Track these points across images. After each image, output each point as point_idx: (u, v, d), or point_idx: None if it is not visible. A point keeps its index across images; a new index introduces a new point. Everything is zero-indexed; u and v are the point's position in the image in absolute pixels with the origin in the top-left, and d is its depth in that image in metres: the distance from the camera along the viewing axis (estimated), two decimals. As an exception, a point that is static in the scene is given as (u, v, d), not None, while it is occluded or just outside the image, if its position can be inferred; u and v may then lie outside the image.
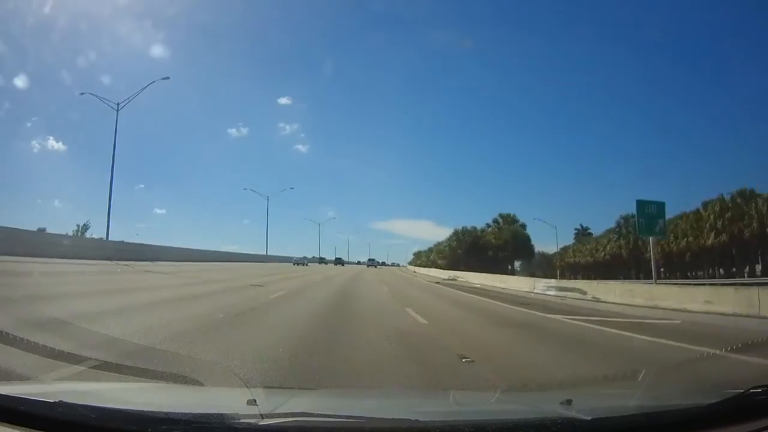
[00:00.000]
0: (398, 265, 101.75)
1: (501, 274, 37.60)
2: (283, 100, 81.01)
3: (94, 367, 3.45)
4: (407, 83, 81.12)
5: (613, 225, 62.77)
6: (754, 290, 10.82)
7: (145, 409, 1.66)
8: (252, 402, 1.65)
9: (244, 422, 1.45)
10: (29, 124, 50.17)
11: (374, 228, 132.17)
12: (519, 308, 12.78)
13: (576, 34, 65.23)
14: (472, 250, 64.14)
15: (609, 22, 63.80)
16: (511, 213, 74.17)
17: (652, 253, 20.41)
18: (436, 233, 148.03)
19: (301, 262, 61.40)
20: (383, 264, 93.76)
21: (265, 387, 3.44)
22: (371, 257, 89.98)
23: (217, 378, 3.88)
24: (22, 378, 3.01)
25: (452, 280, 32.69)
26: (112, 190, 31.56)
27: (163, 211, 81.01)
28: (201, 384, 3.20)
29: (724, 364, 5.08)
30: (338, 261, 77.15)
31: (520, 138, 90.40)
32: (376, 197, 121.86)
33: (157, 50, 47.53)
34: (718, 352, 5.48)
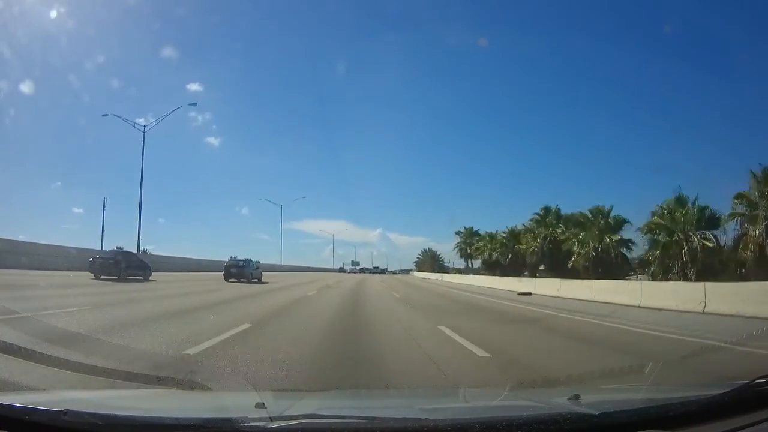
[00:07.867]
0: (394, 272, 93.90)
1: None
2: (194, 87, 73.48)
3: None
4: (319, 76, 77.04)
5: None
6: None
7: (153, 415, 1.66)
8: (260, 405, 1.64)
9: (253, 425, 1.43)
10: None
11: (289, 228, 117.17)
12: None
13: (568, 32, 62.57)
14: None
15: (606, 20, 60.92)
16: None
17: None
18: (356, 234, 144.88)
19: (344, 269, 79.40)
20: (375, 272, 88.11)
21: (274, 390, 3.43)
22: (375, 265, 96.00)
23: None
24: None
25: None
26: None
27: (81, 211, 75.93)
28: (209, 388, 3.21)
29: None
30: (361, 269, 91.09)
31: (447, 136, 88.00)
32: (290, 196, 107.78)
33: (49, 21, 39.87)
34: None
